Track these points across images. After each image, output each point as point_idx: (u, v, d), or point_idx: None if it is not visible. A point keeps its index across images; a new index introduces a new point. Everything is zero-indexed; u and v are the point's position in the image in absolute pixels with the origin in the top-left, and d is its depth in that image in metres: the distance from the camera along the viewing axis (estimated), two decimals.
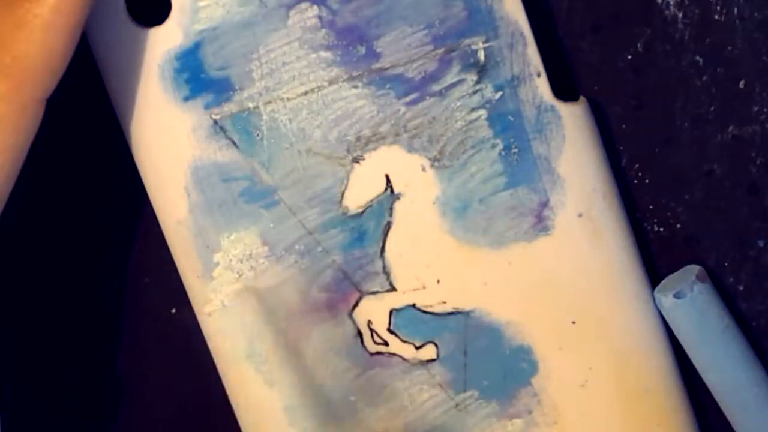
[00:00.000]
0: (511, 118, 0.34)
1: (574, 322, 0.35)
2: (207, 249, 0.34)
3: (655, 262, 0.37)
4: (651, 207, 0.36)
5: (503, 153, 0.34)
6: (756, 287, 0.37)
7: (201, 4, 0.32)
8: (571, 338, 0.35)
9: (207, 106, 0.33)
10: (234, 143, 0.33)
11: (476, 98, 0.33)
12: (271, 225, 0.34)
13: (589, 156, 0.34)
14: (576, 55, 0.36)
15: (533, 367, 0.35)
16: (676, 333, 0.35)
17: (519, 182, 0.34)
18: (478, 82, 0.33)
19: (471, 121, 0.33)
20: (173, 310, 0.36)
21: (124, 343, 0.37)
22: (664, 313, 0.35)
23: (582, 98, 0.35)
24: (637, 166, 0.36)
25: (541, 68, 0.33)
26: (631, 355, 0.35)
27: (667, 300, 0.35)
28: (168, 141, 0.33)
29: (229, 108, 0.33)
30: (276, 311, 0.34)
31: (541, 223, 0.34)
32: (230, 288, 0.34)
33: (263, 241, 0.34)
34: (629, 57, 0.36)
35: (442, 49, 0.33)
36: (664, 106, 0.36)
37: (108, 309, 0.36)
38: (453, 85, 0.33)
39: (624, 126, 0.36)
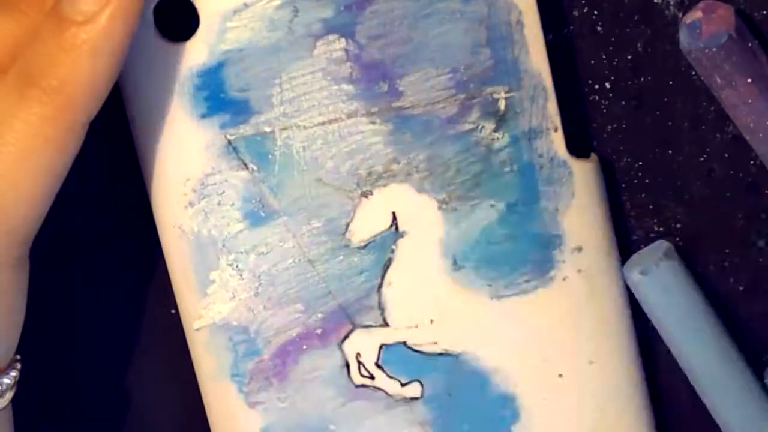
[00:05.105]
0: (524, 170, 0.34)
1: (561, 376, 0.35)
2: (205, 266, 0.33)
3: None
4: (651, 207, 0.37)
5: (512, 203, 0.34)
6: (756, 287, 0.37)
7: (229, 24, 0.32)
8: (556, 391, 0.35)
9: (223, 126, 0.32)
10: (245, 165, 0.33)
11: (492, 146, 0.33)
12: (273, 249, 0.33)
13: (595, 214, 0.34)
14: (576, 55, 0.36)
15: (515, 415, 0.35)
16: (644, 308, 0.36)
17: (524, 233, 0.34)
18: (495, 130, 0.33)
19: (484, 169, 0.33)
20: (173, 311, 0.36)
21: (123, 344, 0.36)
22: (632, 289, 0.35)
23: (594, 156, 0.35)
24: (637, 166, 0.36)
25: (558, 123, 0.34)
26: (614, 412, 0.35)
27: (633, 275, 0.35)
28: (179, 155, 0.33)
29: (245, 130, 0.33)
30: (266, 334, 0.34)
31: (541, 275, 0.34)
32: (223, 306, 0.34)
33: (262, 264, 0.33)
34: (629, 57, 0.36)
35: (464, 95, 0.33)
36: (664, 106, 0.36)
37: (108, 309, 0.36)
38: (470, 131, 0.33)
39: (624, 126, 0.36)
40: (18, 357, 0.31)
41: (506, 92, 0.33)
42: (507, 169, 0.34)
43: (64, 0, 0.28)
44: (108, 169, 0.35)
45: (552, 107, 0.33)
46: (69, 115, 0.28)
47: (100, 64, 0.28)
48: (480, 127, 0.33)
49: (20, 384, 0.31)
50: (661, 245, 0.36)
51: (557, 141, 0.34)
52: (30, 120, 0.28)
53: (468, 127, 0.33)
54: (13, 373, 0.31)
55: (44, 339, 0.36)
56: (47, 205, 0.30)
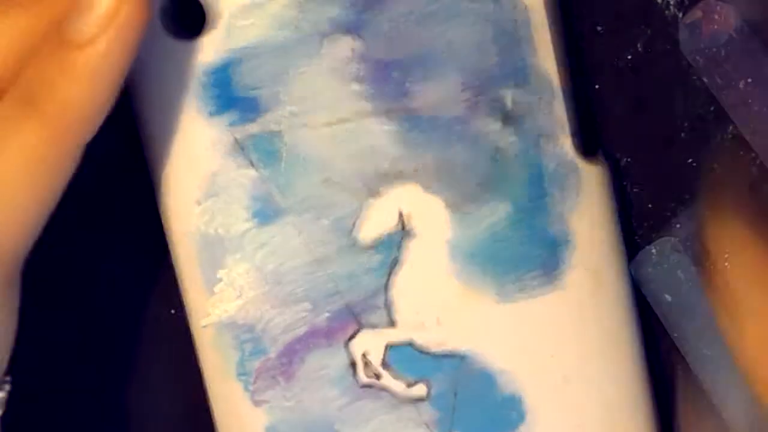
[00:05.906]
0: (531, 170, 0.34)
1: (567, 376, 0.35)
2: (212, 264, 0.33)
3: None
4: (651, 207, 0.37)
5: (519, 203, 0.34)
6: None
7: (238, 23, 0.32)
8: (562, 393, 0.35)
9: (231, 124, 0.32)
10: (252, 163, 0.33)
11: (499, 146, 0.33)
12: (279, 248, 0.33)
13: (603, 214, 0.34)
14: (576, 54, 0.35)
15: (521, 417, 0.35)
16: (651, 305, 0.35)
17: (531, 233, 0.34)
18: (503, 129, 0.33)
19: (491, 169, 0.33)
20: (173, 311, 0.36)
21: (124, 343, 0.36)
22: (640, 285, 0.35)
23: (601, 155, 0.35)
24: (637, 166, 0.36)
25: (566, 122, 0.33)
26: (621, 411, 0.35)
27: (641, 272, 0.35)
28: (187, 153, 0.33)
29: (253, 128, 0.33)
30: (272, 332, 0.34)
31: (548, 277, 0.34)
32: (230, 305, 0.34)
33: (269, 263, 0.33)
34: (629, 57, 0.36)
35: (472, 94, 0.33)
36: (664, 106, 0.36)
37: (108, 309, 0.36)
38: (478, 131, 0.33)
39: (624, 126, 0.36)
40: (8, 378, 0.31)
41: (514, 92, 0.33)
42: (514, 169, 0.34)
43: (65, 21, 0.28)
44: (114, 167, 0.35)
45: (560, 107, 0.33)
46: (66, 137, 0.28)
47: (99, 87, 0.28)
48: (488, 127, 0.33)
49: (16, 384, 0.31)
50: (668, 241, 0.36)
51: (565, 141, 0.34)
52: (28, 142, 0.28)
53: (476, 127, 0.33)
54: (1, 394, 0.31)
55: (44, 339, 0.36)
56: (40, 225, 0.30)
